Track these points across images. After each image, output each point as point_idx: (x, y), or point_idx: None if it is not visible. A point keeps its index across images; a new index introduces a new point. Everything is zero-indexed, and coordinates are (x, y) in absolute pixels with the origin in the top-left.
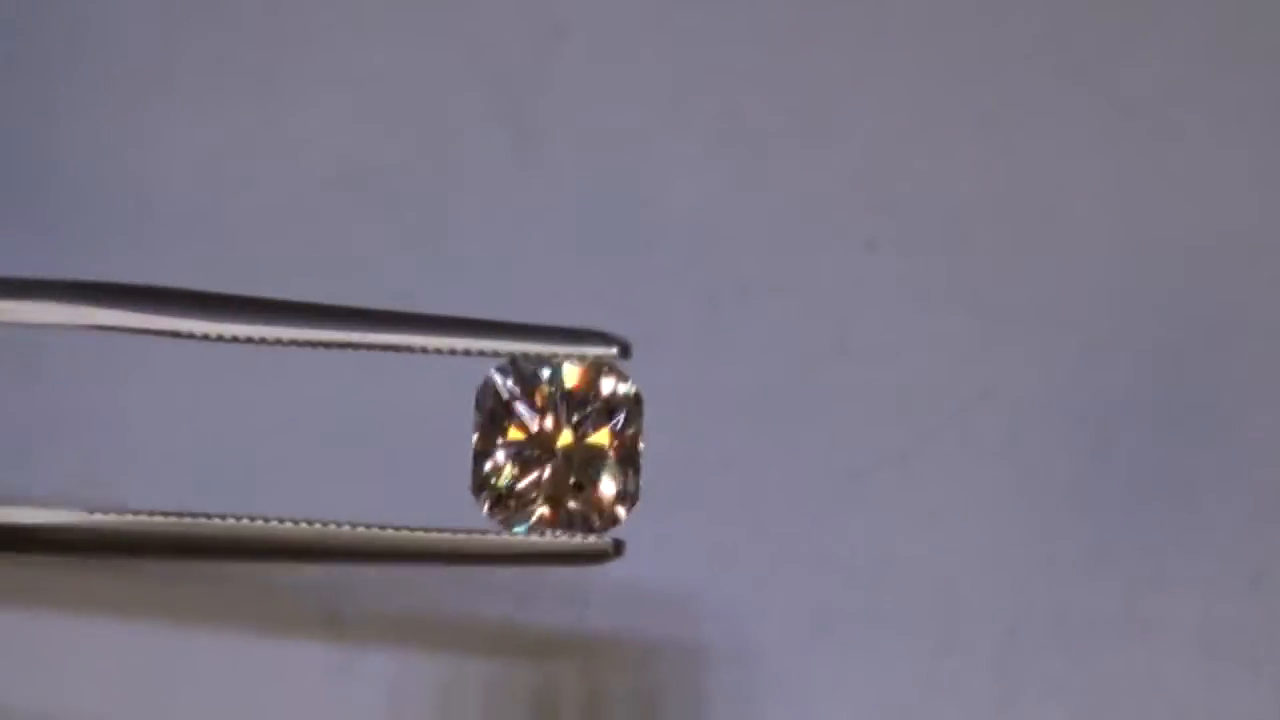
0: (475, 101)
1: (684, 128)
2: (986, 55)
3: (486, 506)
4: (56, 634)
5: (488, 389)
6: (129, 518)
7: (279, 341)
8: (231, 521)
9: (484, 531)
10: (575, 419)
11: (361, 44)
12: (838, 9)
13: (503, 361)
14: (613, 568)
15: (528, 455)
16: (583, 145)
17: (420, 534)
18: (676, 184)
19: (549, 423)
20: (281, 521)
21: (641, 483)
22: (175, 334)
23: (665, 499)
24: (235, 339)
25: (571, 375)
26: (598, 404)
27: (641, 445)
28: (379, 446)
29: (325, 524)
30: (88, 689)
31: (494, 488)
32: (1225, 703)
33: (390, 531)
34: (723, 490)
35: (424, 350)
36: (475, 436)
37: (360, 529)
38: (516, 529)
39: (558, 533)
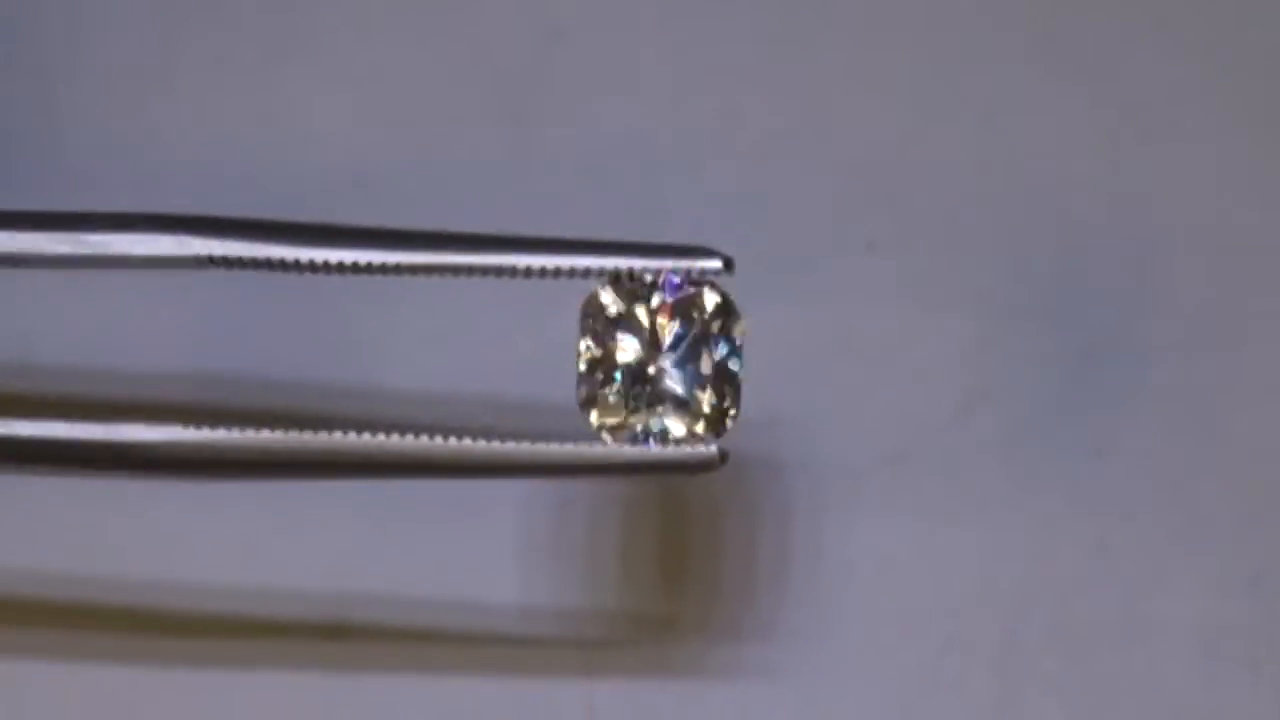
0: (475, 101)
1: (684, 128)
2: (986, 55)
3: (594, 419)
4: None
5: (592, 304)
6: (236, 433)
7: (382, 267)
8: (345, 436)
9: (592, 443)
10: (679, 332)
11: (361, 44)
12: (838, 9)
13: (606, 278)
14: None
15: (633, 369)
16: (582, 145)
17: (530, 446)
18: (676, 184)
19: (651, 337)
20: (390, 435)
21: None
22: (281, 263)
23: None
24: (341, 265)
25: (674, 290)
26: (700, 317)
27: (742, 362)
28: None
29: (434, 437)
30: (88, 688)
31: (601, 401)
32: (1225, 703)
33: (499, 444)
34: (722, 490)
35: (528, 270)
36: (581, 351)
37: (471, 442)
38: (622, 441)
39: (664, 444)
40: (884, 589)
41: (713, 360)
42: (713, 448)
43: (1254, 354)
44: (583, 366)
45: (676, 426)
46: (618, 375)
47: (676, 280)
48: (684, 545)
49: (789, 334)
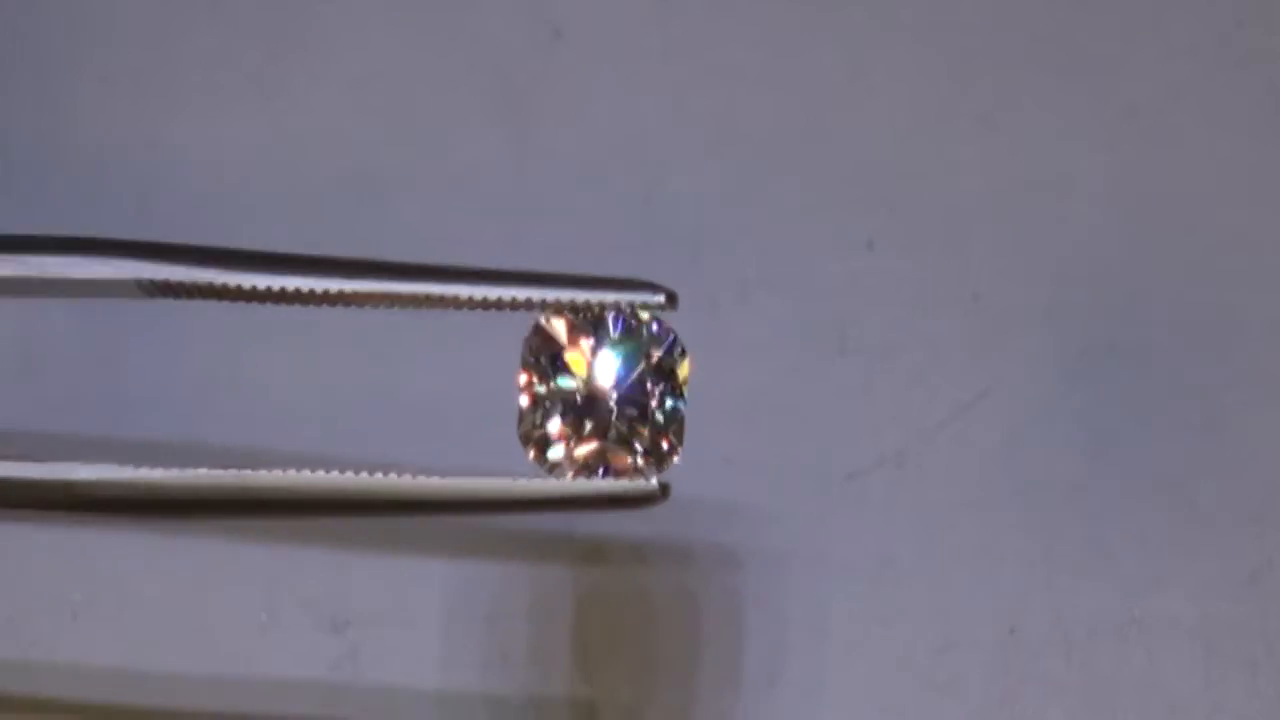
0: (475, 101)
1: (684, 128)
2: (986, 55)
3: (533, 454)
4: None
5: (535, 337)
6: (189, 473)
7: (326, 295)
8: (280, 475)
9: (532, 477)
10: (621, 368)
11: (361, 44)
12: (838, 9)
13: (550, 310)
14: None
15: (574, 403)
16: (582, 145)
17: (469, 481)
18: (676, 184)
19: (595, 371)
20: (329, 471)
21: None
22: (223, 289)
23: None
24: (284, 293)
25: (617, 324)
26: (643, 352)
27: (684, 394)
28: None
29: (373, 474)
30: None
31: (541, 435)
32: (1225, 702)
33: (438, 480)
34: (722, 490)
35: (471, 302)
36: (522, 384)
37: (407, 478)
38: (564, 475)
39: (606, 477)
40: (884, 589)
41: (656, 396)
42: (654, 481)
43: (1254, 354)
44: (523, 401)
45: (619, 461)
46: (559, 409)
47: (620, 314)
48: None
49: (789, 333)
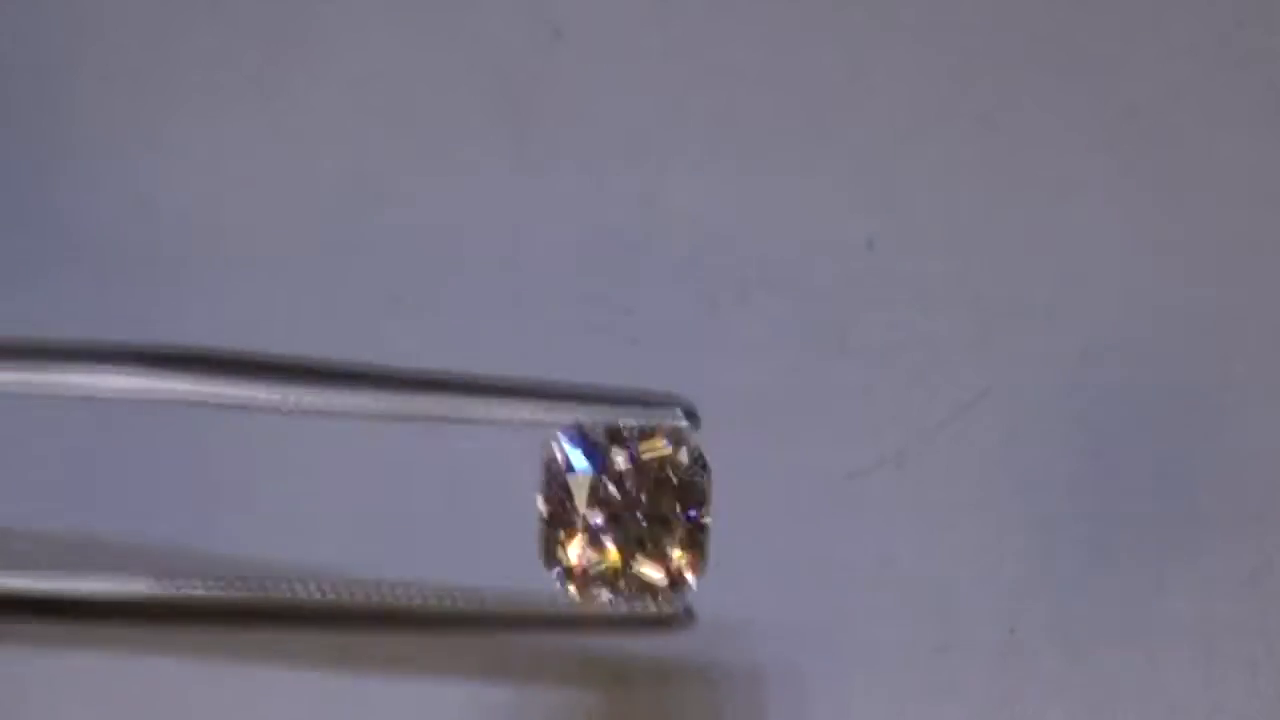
0: (475, 101)
1: (684, 128)
2: (986, 55)
3: (557, 577)
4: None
5: (555, 458)
6: (197, 586)
7: (344, 413)
8: (294, 592)
9: (555, 600)
10: (643, 488)
11: (361, 44)
12: (838, 9)
13: (570, 431)
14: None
15: (597, 525)
16: (582, 145)
17: (490, 604)
18: (676, 184)
19: (616, 492)
20: (342, 594)
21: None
22: (234, 404)
23: None
24: (297, 408)
25: (640, 445)
26: (666, 473)
27: (709, 516)
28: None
29: (394, 591)
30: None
31: (564, 558)
32: (1225, 702)
33: (461, 603)
34: (723, 490)
35: (489, 422)
36: (542, 507)
37: (429, 600)
38: (587, 598)
39: (629, 601)
40: (884, 589)
41: (678, 516)
42: (678, 605)
43: (1254, 354)
44: (543, 522)
45: (645, 578)
46: (580, 530)
47: (639, 432)
48: None
49: (789, 333)
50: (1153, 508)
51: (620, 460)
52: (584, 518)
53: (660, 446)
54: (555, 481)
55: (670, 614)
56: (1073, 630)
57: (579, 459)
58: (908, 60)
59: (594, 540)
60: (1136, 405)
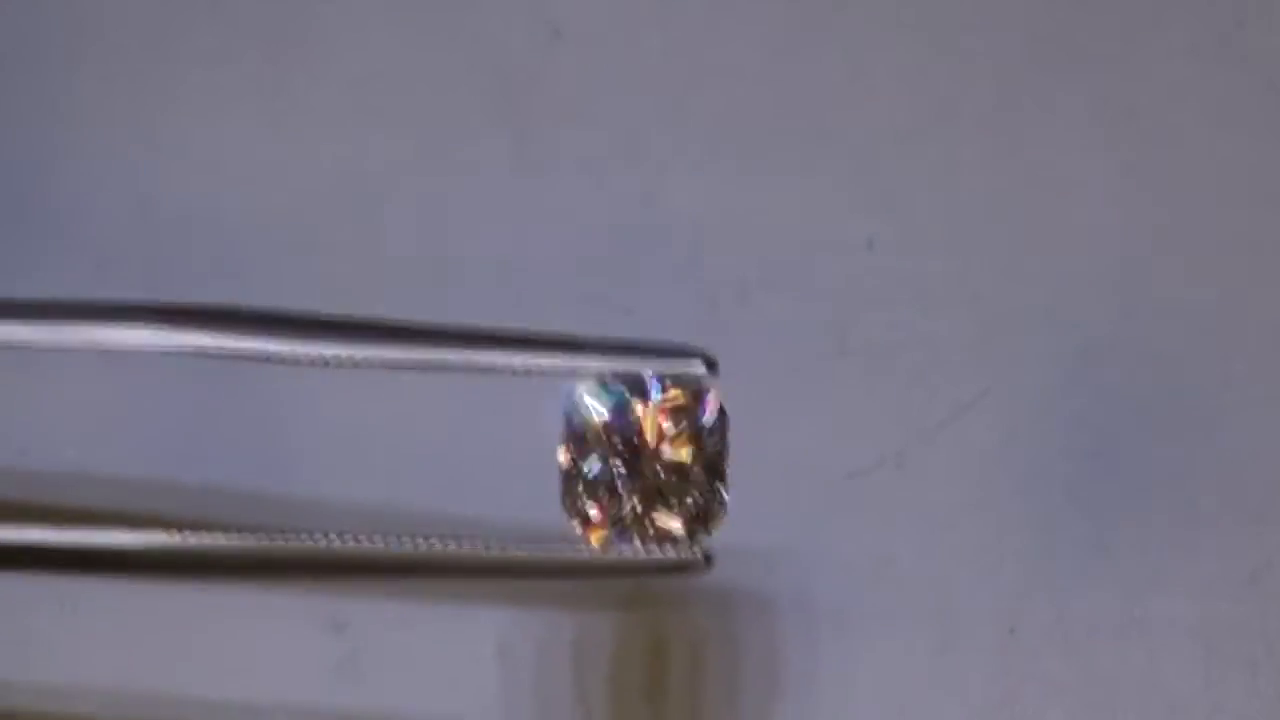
0: (475, 101)
1: (684, 128)
2: (986, 55)
3: (578, 524)
4: (58, 633)
5: (576, 408)
6: (219, 538)
7: (366, 362)
8: (313, 540)
9: (576, 548)
10: (663, 436)
11: (361, 44)
12: (838, 8)
13: (591, 381)
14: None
15: (618, 473)
16: (582, 145)
17: (513, 551)
18: (676, 184)
19: (637, 441)
20: (360, 540)
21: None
22: (265, 357)
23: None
24: (324, 360)
25: (656, 389)
26: (685, 420)
27: (727, 463)
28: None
29: (417, 540)
30: (90, 684)
31: (584, 507)
32: (1225, 702)
33: (482, 550)
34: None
35: (512, 371)
36: (563, 457)
37: (450, 546)
38: (606, 547)
39: (649, 549)
40: (884, 589)
41: (698, 463)
42: (697, 551)
43: (1254, 354)
44: (564, 472)
45: (664, 527)
46: (600, 479)
47: (660, 379)
48: None
49: (789, 333)
50: (1153, 508)
51: (640, 410)
52: (605, 467)
53: (680, 396)
54: (576, 432)
55: (689, 560)
56: (1073, 630)
57: (599, 409)
58: (908, 60)
59: (614, 490)
60: (1136, 405)
